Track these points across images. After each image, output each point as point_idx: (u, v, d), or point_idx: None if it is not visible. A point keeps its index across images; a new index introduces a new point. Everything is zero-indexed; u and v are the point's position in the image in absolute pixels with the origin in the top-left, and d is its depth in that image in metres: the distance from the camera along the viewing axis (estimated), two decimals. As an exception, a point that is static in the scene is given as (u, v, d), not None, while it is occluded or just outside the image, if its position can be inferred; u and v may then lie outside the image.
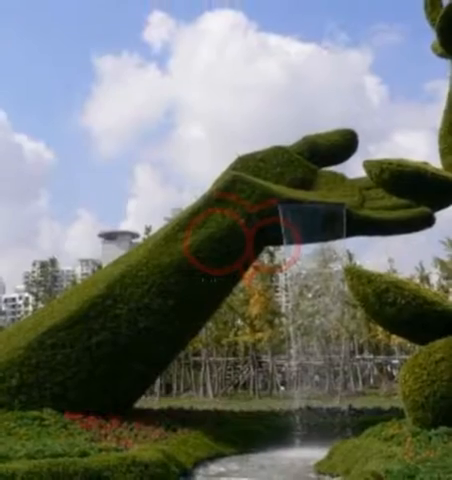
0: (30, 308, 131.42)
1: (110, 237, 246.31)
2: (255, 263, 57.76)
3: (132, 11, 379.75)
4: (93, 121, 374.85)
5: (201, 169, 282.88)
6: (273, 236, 28.76)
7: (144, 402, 42.65)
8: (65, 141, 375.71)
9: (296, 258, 35.55)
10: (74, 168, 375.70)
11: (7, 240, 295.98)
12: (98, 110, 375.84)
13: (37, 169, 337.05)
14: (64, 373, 26.94)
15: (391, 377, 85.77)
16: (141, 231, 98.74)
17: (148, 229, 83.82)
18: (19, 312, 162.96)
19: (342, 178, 31.79)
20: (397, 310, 21.66)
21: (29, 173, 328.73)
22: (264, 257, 77.95)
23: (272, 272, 79.78)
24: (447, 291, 79.83)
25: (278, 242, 30.73)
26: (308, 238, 30.47)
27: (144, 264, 28.55)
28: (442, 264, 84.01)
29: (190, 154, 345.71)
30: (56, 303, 32.29)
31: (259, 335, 78.30)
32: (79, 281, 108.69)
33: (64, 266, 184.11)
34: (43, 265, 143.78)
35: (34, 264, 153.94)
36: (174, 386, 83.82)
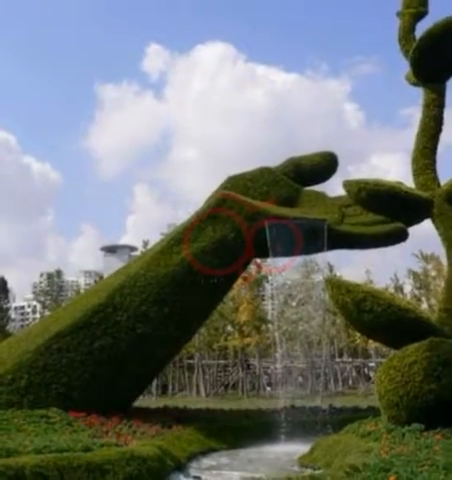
0: (38, 315, 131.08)
1: (111, 250, 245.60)
2: (243, 274, 57.82)
3: (131, 43, 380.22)
4: (95, 144, 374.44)
5: (194, 188, 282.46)
6: (260, 247, 28.75)
7: (142, 401, 42.55)
8: (70, 162, 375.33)
9: (289, 265, 35.60)
10: (78, 187, 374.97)
11: (17, 253, 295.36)
12: (100, 134, 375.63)
13: (44, 188, 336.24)
14: (69, 375, 26.91)
15: (368, 378, 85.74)
16: (139, 245, 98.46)
17: (146, 243, 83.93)
18: (27, 319, 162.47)
19: (323, 196, 31.84)
20: (374, 317, 21.65)
21: (37, 192, 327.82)
22: (251, 269, 77.89)
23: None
24: (419, 300, 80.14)
25: (265, 254, 30.69)
26: (292, 251, 30.47)
27: (142, 275, 28.54)
28: (415, 275, 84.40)
29: (184, 174, 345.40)
30: (61, 311, 32.32)
31: (247, 340, 78.35)
32: (82, 291, 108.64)
33: (69, 277, 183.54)
34: (50, 276, 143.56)
35: (41, 275, 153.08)
36: (170, 387, 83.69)
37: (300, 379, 79.66)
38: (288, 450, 25.47)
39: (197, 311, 29.94)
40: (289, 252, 30.35)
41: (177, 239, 29.25)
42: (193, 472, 21.42)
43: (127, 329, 27.69)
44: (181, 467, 21.42)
